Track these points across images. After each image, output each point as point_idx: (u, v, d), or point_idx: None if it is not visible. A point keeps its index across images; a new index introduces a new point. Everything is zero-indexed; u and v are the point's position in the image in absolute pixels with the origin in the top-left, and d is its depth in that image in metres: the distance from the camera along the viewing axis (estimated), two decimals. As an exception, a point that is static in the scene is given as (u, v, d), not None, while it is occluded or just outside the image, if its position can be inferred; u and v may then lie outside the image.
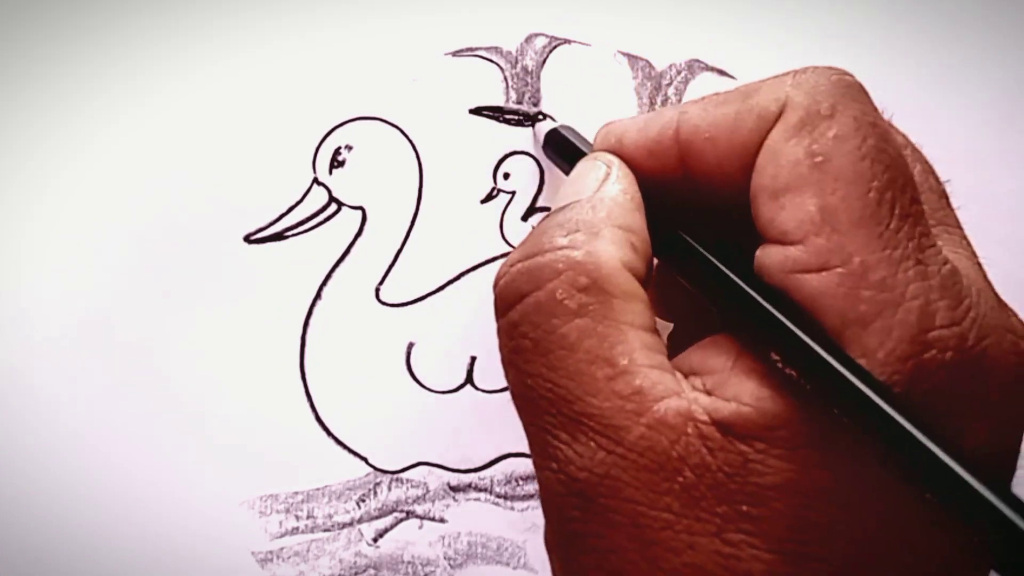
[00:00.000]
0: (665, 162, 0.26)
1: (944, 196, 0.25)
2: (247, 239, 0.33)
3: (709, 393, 0.22)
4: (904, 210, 0.22)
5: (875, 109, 0.23)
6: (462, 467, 0.34)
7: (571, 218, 0.24)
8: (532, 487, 0.34)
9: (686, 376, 0.23)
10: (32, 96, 0.32)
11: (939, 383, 0.21)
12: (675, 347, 0.25)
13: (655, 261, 0.26)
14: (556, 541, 0.24)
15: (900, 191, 0.22)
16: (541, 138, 0.32)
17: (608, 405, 0.22)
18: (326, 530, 0.34)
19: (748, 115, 0.24)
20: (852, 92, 0.23)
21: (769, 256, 0.23)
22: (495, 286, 0.25)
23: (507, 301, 0.24)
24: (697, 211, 0.26)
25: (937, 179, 0.25)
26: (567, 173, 0.29)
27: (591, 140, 0.29)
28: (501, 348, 0.24)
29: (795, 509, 0.21)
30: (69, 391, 0.32)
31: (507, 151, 0.33)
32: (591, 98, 0.33)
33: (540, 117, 0.33)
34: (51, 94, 0.32)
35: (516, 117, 0.33)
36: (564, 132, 0.31)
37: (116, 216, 0.32)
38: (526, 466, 0.34)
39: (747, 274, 0.24)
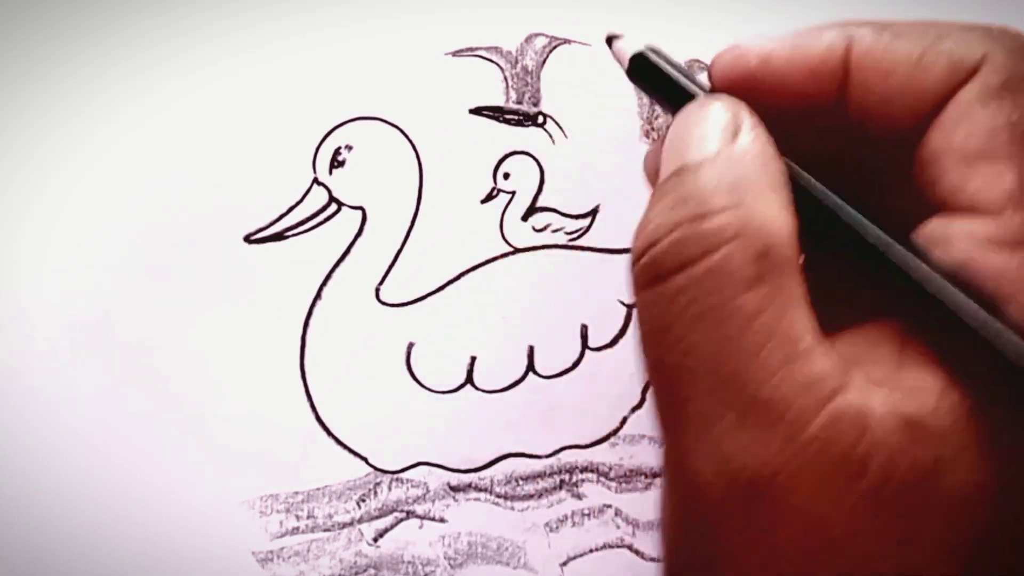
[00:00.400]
0: (825, 87, 0.23)
1: None
2: (247, 239, 0.33)
3: (879, 385, 0.20)
4: None
5: None
6: (462, 467, 0.34)
7: (724, 176, 0.21)
8: (532, 487, 0.34)
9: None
10: (32, 96, 0.32)
11: None
12: None
13: None
14: (693, 539, 0.21)
15: None
16: (624, 62, 0.26)
17: (787, 391, 0.19)
18: (326, 530, 0.34)
19: (938, 58, 0.21)
20: None
21: (952, 225, 0.21)
22: (645, 249, 0.21)
23: (668, 265, 0.21)
24: (835, 160, 0.23)
25: None
26: (663, 105, 0.26)
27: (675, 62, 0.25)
28: (653, 317, 0.21)
29: (989, 513, 0.19)
30: (69, 391, 0.32)
31: (507, 151, 0.33)
32: (591, 98, 0.33)
33: (540, 118, 0.33)
34: (51, 94, 0.32)
35: (516, 117, 0.33)
36: (657, 59, 0.25)
37: (116, 216, 0.32)
38: (526, 466, 0.34)
39: (916, 250, 0.21)
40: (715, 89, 0.24)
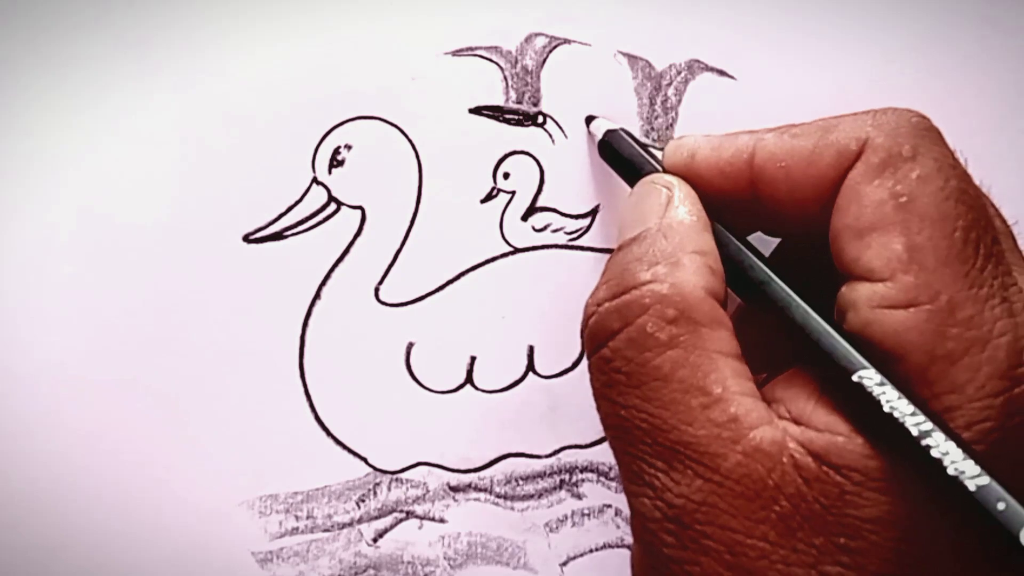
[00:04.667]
0: (736, 184, 0.26)
1: (1011, 236, 0.25)
2: (246, 239, 0.33)
3: (796, 422, 0.23)
4: (987, 249, 0.23)
5: (952, 152, 0.24)
6: (462, 467, 0.34)
7: (648, 250, 0.25)
8: (532, 487, 0.34)
9: (769, 404, 0.23)
10: (34, 97, 0.32)
11: None
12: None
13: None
14: (647, 566, 0.24)
15: (983, 231, 0.23)
16: (597, 137, 0.32)
17: (704, 433, 0.22)
18: (326, 530, 0.34)
19: (826, 150, 0.24)
20: (931, 135, 0.24)
21: (855, 291, 0.23)
22: (586, 321, 0.25)
23: (598, 338, 0.25)
24: (767, 233, 0.27)
25: (1004, 220, 0.26)
26: (623, 177, 0.30)
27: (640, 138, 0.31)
28: (593, 383, 0.25)
29: (892, 542, 0.21)
30: (69, 391, 0.32)
31: (507, 151, 0.33)
32: (591, 98, 0.33)
33: (540, 118, 0.33)
34: (53, 95, 0.32)
35: (516, 117, 0.33)
36: (623, 137, 0.31)
37: (116, 216, 0.32)
38: (526, 466, 0.34)
39: (821, 305, 0.24)
40: (667, 170, 0.28)
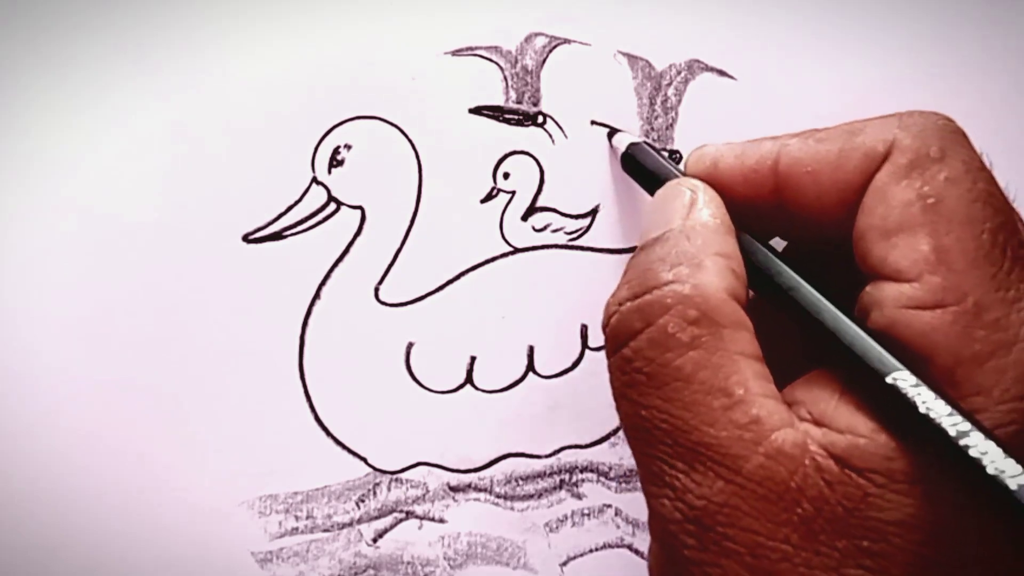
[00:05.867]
0: (760, 191, 0.26)
1: None
2: (246, 238, 0.33)
3: (818, 424, 0.23)
4: (1014, 252, 0.23)
5: (978, 155, 0.24)
6: (462, 467, 0.34)
7: (670, 251, 0.25)
8: (532, 487, 0.34)
9: (790, 406, 0.23)
10: (34, 97, 0.32)
11: None
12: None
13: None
14: (666, 568, 0.24)
15: (1010, 234, 0.23)
16: (619, 151, 0.32)
17: (725, 435, 0.22)
18: (326, 530, 0.34)
19: (853, 153, 0.24)
20: (958, 137, 0.24)
21: (882, 291, 0.23)
22: (606, 322, 0.25)
23: (619, 339, 0.24)
24: (787, 238, 0.27)
25: None
26: (646, 189, 0.30)
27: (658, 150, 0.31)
28: (613, 383, 0.25)
29: (915, 545, 0.21)
30: (69, 391, 0.32)
31: (507, 151, 0.33)
32: (591, 98, 0.33)
33: (540, 118, 0.33)
34: (52, 94, 0.32)
35: (516, 117, 0.33)
36: (646, 149, 0.31)
37: (115, 216, 0.32)
38: (526, 466, 0.34)
39: (845, 307, 0.24)
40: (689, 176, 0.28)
